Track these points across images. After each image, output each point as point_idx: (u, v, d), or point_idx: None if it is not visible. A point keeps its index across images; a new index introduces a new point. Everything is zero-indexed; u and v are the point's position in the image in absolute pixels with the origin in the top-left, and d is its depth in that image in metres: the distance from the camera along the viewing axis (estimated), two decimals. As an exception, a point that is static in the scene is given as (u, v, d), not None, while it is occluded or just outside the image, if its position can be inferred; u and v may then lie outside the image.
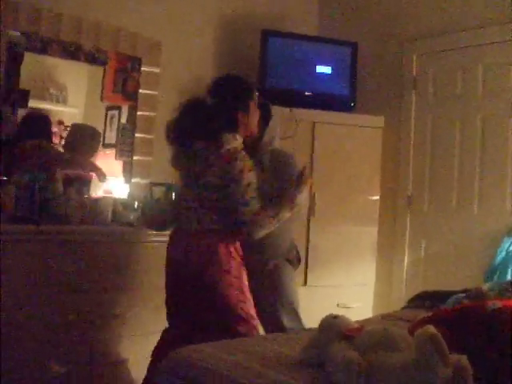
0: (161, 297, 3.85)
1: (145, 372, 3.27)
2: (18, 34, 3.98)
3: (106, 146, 4.54)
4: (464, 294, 3.13)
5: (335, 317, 2.23)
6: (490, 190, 4.53)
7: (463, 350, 1.96)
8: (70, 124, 4.34)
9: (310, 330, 2.83)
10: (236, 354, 2.37)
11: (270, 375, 2.14)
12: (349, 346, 2.05)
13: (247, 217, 3.01)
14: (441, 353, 1.81)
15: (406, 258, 4.93)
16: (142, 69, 4.55)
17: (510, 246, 4.34)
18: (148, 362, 3.29)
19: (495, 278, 4.29)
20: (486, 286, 3.17)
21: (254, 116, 3.37)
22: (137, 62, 4.54)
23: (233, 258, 3.14)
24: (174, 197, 4.35)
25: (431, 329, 1.85)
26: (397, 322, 3.01)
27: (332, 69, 4.97)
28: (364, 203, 4.87)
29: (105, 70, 4.45)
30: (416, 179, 4.93)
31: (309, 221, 4.71)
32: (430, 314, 2.55)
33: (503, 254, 4.34)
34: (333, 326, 2.18)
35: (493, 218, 4.50)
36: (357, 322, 2.34)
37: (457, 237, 4.67)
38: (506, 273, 4.27)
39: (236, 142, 3.15)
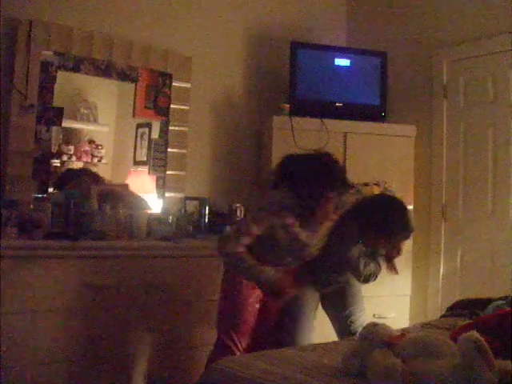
0: (193, 311, 3.90)
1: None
2: (51, 53, 4.05)
3: (137, 163, 4.57)
4: (503, 301, 3.11)
5: (376, 325, 2.21)
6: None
7: (506, 355, 1.94)
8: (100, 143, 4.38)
9: (349, 339, 2.81)
10: (275, 363, 2.37)
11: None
12: (390, 354, 2.03)
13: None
14: (486, 357, 1.79)
15: (441, 267, 4.87)
16: (173, 84, 4.59)
17: (547, 252, 4.30)
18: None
19: None
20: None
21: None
22: (168, 77, 4.58)
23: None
24: (207, 210, 4.41)
25: (475, 334, 1.83)
26: (437, 330, 2.98)
27: (362, 79, 4.96)
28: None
29: (136, 86, 4.49)
30: (450, 187, 4.88)
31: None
32: (471, 320, 2.52)
33: (540, 260, 4.30)
34: (374, 334, 2.17)
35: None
36: (397, 330, 2.32)
37: (492, 244, 4.61)
38: None
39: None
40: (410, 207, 4.74)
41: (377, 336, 2.16)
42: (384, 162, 4.79)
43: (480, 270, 4.65)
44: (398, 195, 4.72)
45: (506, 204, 4.55)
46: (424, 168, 4.98)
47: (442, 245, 4.89)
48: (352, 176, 4.61)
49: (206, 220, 4.47)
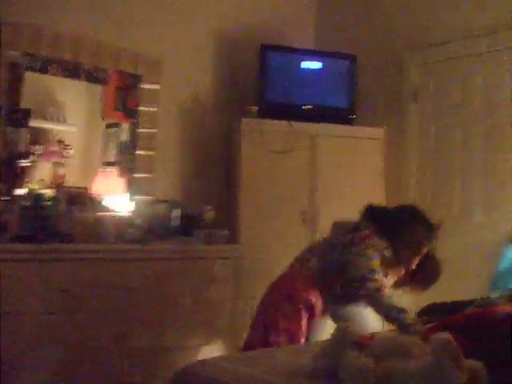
0: (162, 314, 3.87)
1: None
2: (19, 54, 3.99)
3: (105, 164, 4.53)
4: (472, 306, 3.12)
5: (347, 326, 2.21)
6: (493, 199, 4.52)
7: (476, 355, 1.94)
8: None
9: (322, 341, 2.81)
10: (248, 365, 2.36)
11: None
12: (362, 354, 2.03)
13: None
14: (456, 358, 1.79)
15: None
16: (142, 86, 4.56)
17: (512, 254, 4.33)
18: None
19: (500, 285, 4.27)
20: (494, 295, 3.15)
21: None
22: (137, 79, 4.55)
23: None
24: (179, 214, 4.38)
25: (446, 335, 1.83)
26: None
27: (331, 82, 4.97)
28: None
29: (105, 88, 4.45)
30: (419, 189, 4.91)
31: (313, 234, 4.69)
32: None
33: (506, 262, 4.32)
34: (345, 335, 2.16)
35: (496, 226, 4.47)
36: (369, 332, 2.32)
37: (461, 246, 4.63)
38: (509, 282, 4.26)
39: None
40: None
41: (348, 336, 2.15)
42: (353, 165, 4.82)
43: (448, 271, 4.61)
44: (369, 198, 4.78)
45: (474, 206, 4.60)
46: (394, 170, 5.01)
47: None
48: (321, 178, 4.70)
49: (176, 223, 4.44)
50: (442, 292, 4.10)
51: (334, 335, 2.22)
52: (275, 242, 4.61)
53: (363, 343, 2.10)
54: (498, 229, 4.44)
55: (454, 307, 3.34)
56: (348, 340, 2.14)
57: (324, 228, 4.60)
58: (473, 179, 4.61)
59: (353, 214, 4.68)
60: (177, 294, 4.09)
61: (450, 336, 1.83)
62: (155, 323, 3.97)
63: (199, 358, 3.90)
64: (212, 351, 4.13)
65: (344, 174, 4.78)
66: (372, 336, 2.15)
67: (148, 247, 4.04)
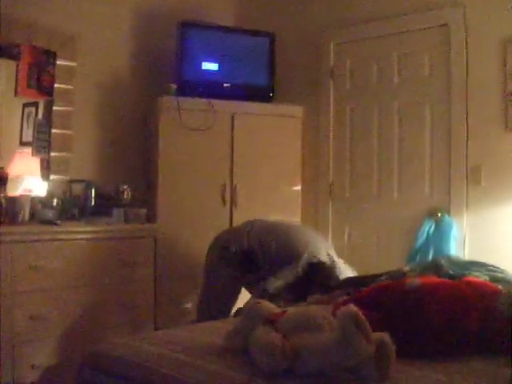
0: (77, 295, 3.82)
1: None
2: None
3: (23, 144, 4.40)
4: (386, 276, 3.18)
5: (258, 303, 2.22)
6: (409, 176, 4.63)
7: (385, 328, 1.98)
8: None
9: (235, 318, 2.82)
10: (158, 344, 2.34)
11: (193, 364, 2.12)
12: (271, 330, 2.04)
13: None
14: (363, 330, 1.82)
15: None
16: (58, 63, 4.44)
17: (430, 228, 4.45)
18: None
19: (417, 259, 4.38)
20: (407, 267, 3.22)
21: None
22: (51, 55, 4.42)
23: None
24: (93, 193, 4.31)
25: (352, 308, 1.86)
26: (320, 307, 3.04)
27: (250, 59, 4.95)
28: (286, 193, 4.89)
29: (18, 64, 4.31)
30: (337, 167, 4.98)
31: (231, 211, 4.71)
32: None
33: (424, 236, 4.45)
34: (256, 312, 2.18)
35: (412, 202, 4.59)
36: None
37: (378, 222, 4.75)
38: (426, 255, 4.38)
39: None
40: (298, 187, 4.84)
41: (259, 313, 2.17)
42: (272, 143, 4.82)
43: (367, 247, 4.79)
44: (287, 176, 4.82)
45: (390, 183, 4.70)
46: (311, 148, 5.06)
47: (330, 223, 4.98)
48: (240, 157, 4.70)
49: (93, 203, 4.38)
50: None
51: (244, 312, 2.23)
52: (194, 221, 4.61)
53: (274, 319, 2.11)
54: (415, 205, 4.55)
55: (367, 280, 3.41)
56: (258, 317, 2.15)
57: (242, 206, 4.65)
58: (389, 157, 4.70)
59: (270, 192, 4.77)
60: (95, 275, 4.04)
61: (357, 309, 1.86)
62: (72, 305, 3.91)
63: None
64: (130, 330, 4.13)
65: (263, 152, 4.79)
66: (283, 312, 2.15)
67: (64, 228, 3.96)
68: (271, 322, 2.10)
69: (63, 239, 3.93)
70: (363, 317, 1.84)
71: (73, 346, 3.87)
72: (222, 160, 4.71)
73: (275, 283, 3.58)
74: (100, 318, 4.07)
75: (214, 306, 3.88)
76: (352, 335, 1.81)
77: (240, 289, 3.95)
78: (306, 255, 3.66)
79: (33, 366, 3.72)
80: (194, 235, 4.56)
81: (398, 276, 2.92)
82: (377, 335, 1.88)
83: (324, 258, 3.74)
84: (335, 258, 3.84)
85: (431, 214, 4.48)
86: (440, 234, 4.40)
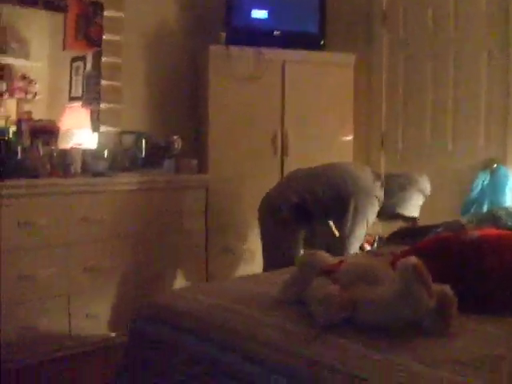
0: (127, 247, 3.88)
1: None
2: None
3: (72, 99, 4.40)
4: (442, 228, 3.12)
5: (313, 253, 2.18)
6: (464, 127, 4.48)
7: (445, 280, 1.93)
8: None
9: (290, 268, 2.79)
10: (214, 295, 2.34)
11: (248, 314, 2.11)
12: (329, 282, 2.01)
13: None
14: (424, 282, 1.78)
15: (381, 197, 4.89)
16: (105, 14, 4.40)
17: (484, 180, 4.33)
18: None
19: (472, 211, 4.28)
20: (464, 219, 3.15)
21: None
22: (99, 6, 4.38)
23: None
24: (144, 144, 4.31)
25: (413, 259, 1.81)
26: (377, 257, 2.99)
27: (300, 6, 4.83)
28: (338, 143, 4.80)
29: (65, 16, 4.28)
30: (389, 117, 4.86)
31: (282, 160, 4.66)
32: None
33: (478, 188, 4.33)
34: (311, 263, 2.14)
35: (467, 153, 4.46)
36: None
37: (431, 173, 4.60)
38: (481, 207, 4.27)
39: None
40: (350, 137, 4.76)
41: (314, 264, 2.13)
42: (323, 91, 4.72)
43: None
44: (338, 125, 4.74)
45: (445, 134, 4.56)
46: (364, 97, 4.94)
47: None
48: (291, 105, 4.62)
49: (143, 154, 4.37)
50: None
51: (299, 263, 2.19)
52: (245, 171, 4.56)
53: (331, 270, 2.07)
54: (469, 157, 4.43)
55: (422, 231, 3.35)
56: (315, 267, 2.12)
57: (293, 156, 4.59)
58: (444, 106, 4.56)
59: (321, 141, 4.69)
60: (146, 225, 4.06)
61: (418, 260, 1.81)
62: (124, 256, 3.94)
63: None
64: (182, 280, 4.17)
65: (314, 101, 4.70)
66: (340, 262, 2.11)
67: (115, 179, 3.98)
68: (328, 272, 2.06)
69: (114, 190, 3.96)
70: (425, 269, 1.79)
71: (125, 297, 3.93)
72: (272, 109, 4.63)
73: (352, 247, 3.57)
74: (151, 269, 4.11)
75: (277, 264, 3.82)
76: (413, 287, 1.77)
77: (300, 245, 3.86)
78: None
79: (87, 315, 3.78)
80: (245, 185, 4.52)
81: (455, 227, 2.86)
82: (438, 287, 1.83)
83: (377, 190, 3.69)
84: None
85: (486, 165, 4.35)
86: (495, 186, 4.28)
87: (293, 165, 4.51)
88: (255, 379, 1.84)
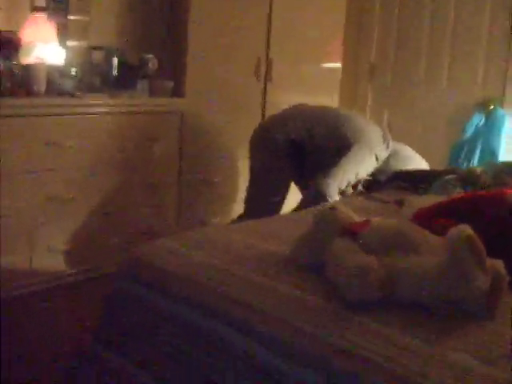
0: (94, 176, 3.57)
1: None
2: None
3: (35, 9, 3.90)
4: (453, 176, 2.85)
5: (333, 208, 1.87)
6: (462, 61, 4.25)
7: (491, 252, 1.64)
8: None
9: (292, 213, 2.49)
10: (210, 252, 2.02)
11: (253, 281, 1.81)
12: (355, 247, 1.70)
13: None
14: (479, 258, 1.50)
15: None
16: None
17: (480, 121, 4.10)
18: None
19: (462, 154, 4.07)
20: (478, 168, 2.89)
21: None
22: None
23: None
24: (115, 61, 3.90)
25: (467, 230, 1.53)
26: (382, 204, 2.77)
27: None
28: (325, 71, 4.48)
29: None
30: (380, 46, 4.53)
31: (265, 89, 4.30)
32: (437, 201, 2.21)
33: (472, 129, 4.11)
34: (332, 219, 1.83)
35: (463, 91, 4.23)
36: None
37: (423, 110, 4.38)
38: (474, 149, 4.08)
39: None
40: (338, 64, 4.41)
41: (336, 221, 1.82)
42: (312, 13, 4.36)
43: (408, 135, 4.42)
44: (326, 51, 4.39)
45: (440, 69, 4.29)
46: (355, 22, 4.59)
47: (368, 107, 4.59)
48: (277, 28, 4.24)
49: (115, 73, 3.95)
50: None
51: (316, 220, 1.88)
52: (224, 97, 4.21)
53: (356, 230, 1.77)
54: (465, 95, 4.18)
55: (426, 176, 3.10)
56: (335, 226, 1.81)
57: (277, 82, 4.24)
58: (441, 40, 4.26)
59: (308, 68, 4.35)
60: (117, 152, 3.71)
61: (473, 232, 1.52)
62: (92, 186, 3.60)
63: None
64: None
65: (302, 24, 4.34)
66: (366, 222, 1.81)
67: (84, 100, 3.57)
68: (351, 233, 1.76)
69: (83, 113, 3.56)
70: (480, 242, 1.50)
71: (91, 231, 3.61)
72: (257, 31, 4.25)
73: (330, 186, 3.25)
74: (122, 199, 3.79)
75: (263, 203, 3.54)
76: (465, 263, 1.49)
77: (289, 185, 3.62)
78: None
79: (49, 249, 3.45)
80: (223, 112, 4.19)
81: (471, 178, 2.59)
82: (490, 264, 1.55)
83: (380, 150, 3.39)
84: (397, 145, 3.55)
85: (482, 105, 4.10)
86: (490, 129, 4.08)
87: (277, 91, 4.21)
88: (260, 362, 1.56)
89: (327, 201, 3.18)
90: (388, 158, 3.45)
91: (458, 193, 2.58)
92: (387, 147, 3.44)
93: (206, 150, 4.20)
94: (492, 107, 4.05)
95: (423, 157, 3.96)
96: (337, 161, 3.32)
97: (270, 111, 4.16)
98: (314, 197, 3.25)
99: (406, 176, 3.22)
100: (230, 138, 3.96)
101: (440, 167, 4.13)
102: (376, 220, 1.81)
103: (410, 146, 4.28)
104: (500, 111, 4.02)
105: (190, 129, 4.10)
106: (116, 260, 3.53)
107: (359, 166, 3.35)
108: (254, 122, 4.11)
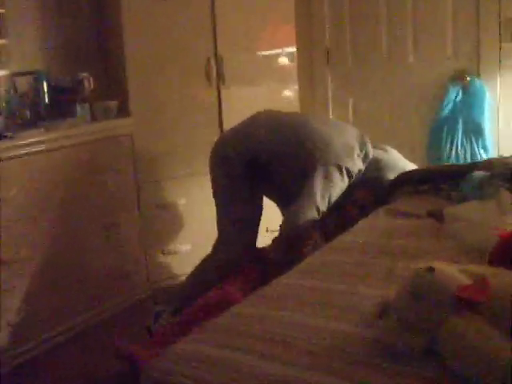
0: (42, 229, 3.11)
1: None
2: None
3: None
4: (483, 172, 2.46)
5: (431, 270, 1.41)
6: (428, 33, 3.88)
7: None
8: None
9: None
10: (250, 348, 1.54)
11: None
12: (484, 327, 1.26)
13: None
14: None
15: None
16: None
17: (457, 95, 3.76)
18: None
19: (444, 132, 3.75)
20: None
21: None
22: None
23: None
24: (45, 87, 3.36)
25: None
26: (409, 220, 2.38)
27: None
28: (281, 64, 4.03)
29: None
30: (334, 29, 4.11)
31: (219, 92, 3.82)
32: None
33: (450, 105, 3.78)
34: (436, 288, 1.38)
35: (432, 65, 3.90)
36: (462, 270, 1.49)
37: (391, 91, 4.02)
38: (455, 125, 3.78)
39: None
40: (293, 49, 3.97)
41: (441, 290, 1.37)
42: (260, 5, 3.89)
43: (379, 119, 4.11)
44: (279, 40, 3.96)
45: (404, 44, 3.93)
46: (304, 6, 4.13)
47: (330, 94, 4.18)
48: (224, 19, 3.76)
49: (47, 100, 3.39)
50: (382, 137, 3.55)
51: (414, 291, 1.41)
52: (176, 109, 3.74)
53: (475, 299, 1.33)
54: (435, 68, 3.87)
55: (446, 174, 2.72)
56: (445, 294, 1.37)
57: (232, 83, 3.77)
58: (402, 11, 3.92)
59: (264, 63, 3.89)
60: (64, 193, 3.21)
61: None
62: (42, 241, 3.10)
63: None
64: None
65: (250, 17, 3.86)
66: (483, 283, 1.36)
67: (16, 141, 3.00)
68: (470, 304, 1.32)
69: (17, 156, 2.99)
70: None
71: (44, 297, 3.11)
72: (202, 30, 3.75)
73: (301, 219, 2.79)
74: (78, 245, 3.31)
75: (229, 223, 3.04)
76: None
77: (257, 201, 3.11)
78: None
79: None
80: (177, 126, 3.73)
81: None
82: None
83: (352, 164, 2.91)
84: (379, 152, 3.06)
85: (457, 78, 3.77)
86: (470, 102, 3.75)
87: (232, 94, 3.81)
88: None
89: (306, 235, 2.75)
90: (366, 169, 2.98)
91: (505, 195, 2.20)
92: (365, 156, 2.95)
93: (164, 171, 3.72)
94: (468, 79, 3.71)
95: (399, 140, 3.67)
96: (304, 185, 2.84)
97: (229, 116, 3.74)
98: (287, 233, 2.83)
99: (420, 176, 2.81)
100: (190, 153, 3.50)
101: (421, 150, 3.82)
102: (494, 279, 1.37)
103: (382, 131, 3.96)
104: (478, 82, 3.69)
105: (143, 151, 3.63)
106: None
107: (328, 190, 2.83)
108: (213, 130, 3.72)
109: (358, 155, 2.92)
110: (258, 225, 3.07)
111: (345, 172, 2.85)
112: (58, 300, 3.15)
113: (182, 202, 3.77)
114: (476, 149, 3.69)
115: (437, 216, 2.28)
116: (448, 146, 3.75)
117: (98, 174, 3.37)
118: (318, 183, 2.81)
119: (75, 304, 3.25)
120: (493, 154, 3.65)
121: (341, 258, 2.10)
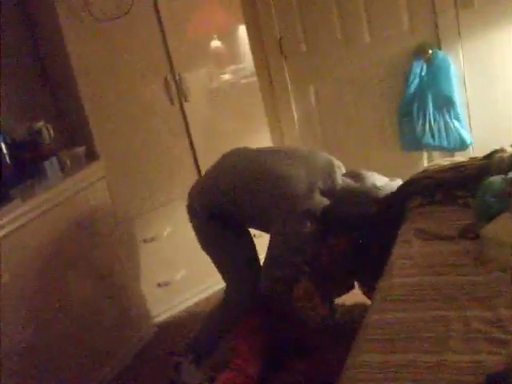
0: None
1: None
2: None
3: None
4: (504, 177, 2.33)
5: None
6: (381, 11, 3.70)
7: None
8: None
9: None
10: None
11: None
12: None
13: None
14: None
15: (294, 110, 4.07)
16: None
17: (421, 69, 3.68)
18: None
19: (414, 108, 3.69)
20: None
21: None
22: None
23: None
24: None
25: None
26: (440, 244, 2.25)
27: None
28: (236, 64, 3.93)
29: None
30: (283, 18, 3.90)
31: (183, 111, 3.65)
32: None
33: (416, 81, 3.71)
34: None
35: (390, 42, 3.75)
36: None
37: (351, 73, 3.89)
38: (425, 99, 3.71)
39: None
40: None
41: None
42: (207, 10, 3.70)
43: (341, 106, 3.97)
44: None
45: (358, 25, 3.78)
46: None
47: (289, 85, 4.01)
48: (174, 42, 3.53)
49: (8, 161, 3.08)
50: (337, 132, 3.75)
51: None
52: (144, 137, 3.58)
53: None
54: (393, 45, 3.74)
55: (454, 180, 2.64)
56: None
57: (196, 98, 3.59)
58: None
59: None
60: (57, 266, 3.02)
61: None
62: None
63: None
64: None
65: (200, 26, 3.69)
66: None
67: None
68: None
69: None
70: None
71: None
72: (154, 50, 3.54)
73: (275, 278, 2.72)
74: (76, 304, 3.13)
75: (237, 271, 2.96)
76: None
77: (245, 234, 2.98)
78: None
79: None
80: (148, 155, 3.59)
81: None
82: None
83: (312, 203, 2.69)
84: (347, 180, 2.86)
85: (418, 52, 3.67)
86: (437, 75, 3.67)
87: (197, 110, 3.70)
88: None
89: (289, 289, 2.70)
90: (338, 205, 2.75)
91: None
92: (332, 184, 2.75)
93: (144, 204, 3.60)
94: (431, 52, 3.63)
95: (367, 124, 3.67)
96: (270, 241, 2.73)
97: (196, 131, 3.68)
98: (265, 293, 2.78)
99: (425, 186, 2.70)
100: (166, 185, 3.46)
101: (391, 128, 3.75)
102: None
103: (347, 117, 3.90)
104: (440, 54, 3.61)
105: (118, 190, 3.45)
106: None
107: (293, 241, 2.67)
108: (183, 150, 3.67)
109: (322, 190, 2.71)
110: (256, 255, 2.95)
111: (306, 216, 2.65)
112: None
113: (167, 230, 3.64)
114: (449, 120, 3.65)
115: (470, 236, 2.19)
116: (420, 121, 3.68)
117: (82, 227, 3.17)
118: (278, 238, 2.69)
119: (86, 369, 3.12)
120: (466, 123, 3.63)
121: (408, 314, 1.91)
